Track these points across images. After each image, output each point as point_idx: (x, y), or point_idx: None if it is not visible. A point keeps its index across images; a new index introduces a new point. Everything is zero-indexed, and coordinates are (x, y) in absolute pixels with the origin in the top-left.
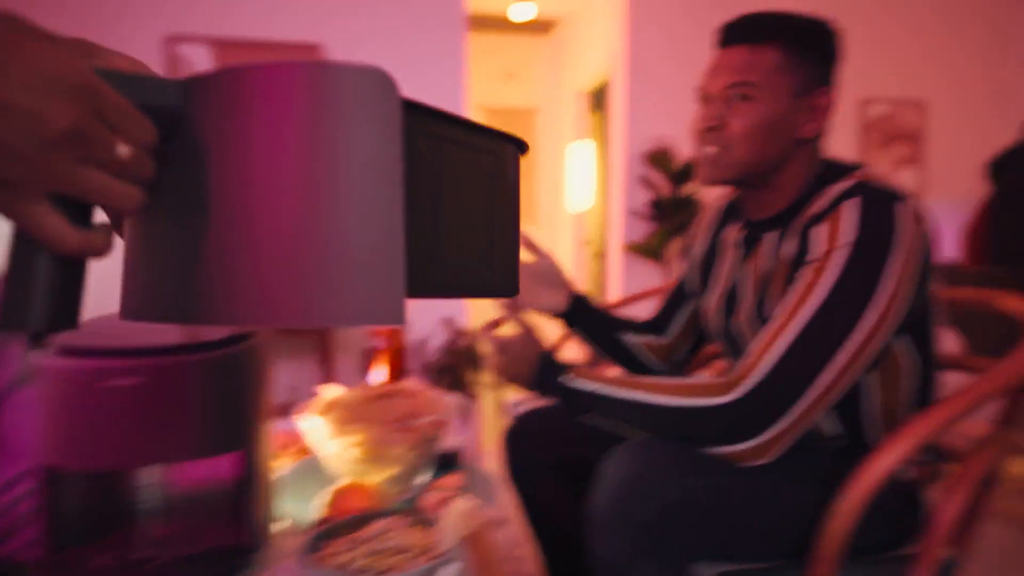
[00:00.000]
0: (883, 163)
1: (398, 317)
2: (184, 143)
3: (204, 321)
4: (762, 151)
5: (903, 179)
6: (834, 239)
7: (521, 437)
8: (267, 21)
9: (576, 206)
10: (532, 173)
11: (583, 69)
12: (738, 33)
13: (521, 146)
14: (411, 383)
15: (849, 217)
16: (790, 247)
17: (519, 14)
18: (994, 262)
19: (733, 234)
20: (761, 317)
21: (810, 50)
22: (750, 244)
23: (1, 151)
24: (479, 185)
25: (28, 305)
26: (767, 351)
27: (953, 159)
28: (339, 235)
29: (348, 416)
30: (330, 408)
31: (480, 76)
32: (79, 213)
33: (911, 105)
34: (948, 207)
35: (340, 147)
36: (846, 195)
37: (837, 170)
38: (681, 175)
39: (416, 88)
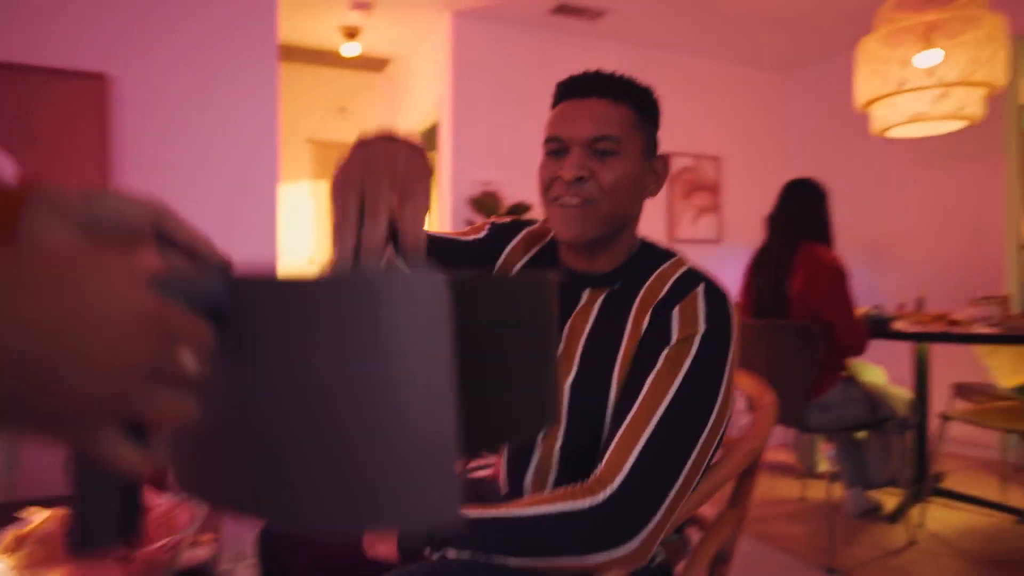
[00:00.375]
0: (688, 211)
1: (454, 516)
2: (229, 337)
3: (247, 514)
4: (625, 207)
5: (704, 226)
6: (688, 327)
7: (276, 537)
8: (42, 45)
9: None
10: None
11: (415, 109)
12: (595, 85)
13: (555, 277)
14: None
15: (699, 307)
16: (640, 323)
17: (349, 50)
18: (752, 316)
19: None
20: (593, 372)
21: (650, 115)
22: (568, 295)
23: (81, 396)
24: (520, 334)
25: (97, 528)
26: (630, 451)
27: (744, 208)
28: (392, 441)
29: (43, 553)
30: (20, 543)
31: (312, 109)
32: (139, 432)
33: (709, 159)
34: (740, 252)
35: (394, 358)
36: (687, 281)
37: (656, 250)
38: None
39: (224, 120)
